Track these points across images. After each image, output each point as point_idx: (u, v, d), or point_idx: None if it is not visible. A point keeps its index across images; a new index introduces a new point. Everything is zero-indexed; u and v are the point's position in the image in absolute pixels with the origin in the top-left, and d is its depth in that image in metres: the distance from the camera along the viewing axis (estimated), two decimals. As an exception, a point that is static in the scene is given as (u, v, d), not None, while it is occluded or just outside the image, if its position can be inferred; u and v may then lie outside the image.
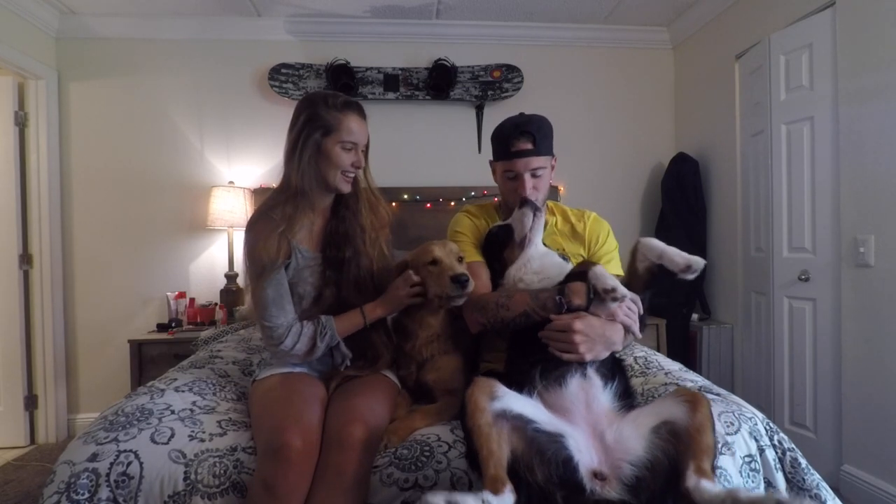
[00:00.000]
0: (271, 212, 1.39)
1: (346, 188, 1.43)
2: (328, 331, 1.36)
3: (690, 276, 1.17)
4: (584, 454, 0.99)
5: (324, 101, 1.38)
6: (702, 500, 0.88)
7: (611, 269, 1.53)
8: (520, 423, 0.99)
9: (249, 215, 3.02)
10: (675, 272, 1.17)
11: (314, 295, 1.43)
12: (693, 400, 1.02)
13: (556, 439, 0.98)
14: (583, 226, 1.63)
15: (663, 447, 0.99)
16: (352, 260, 1.44)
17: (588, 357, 1.14)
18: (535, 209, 1.39)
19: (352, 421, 1.15)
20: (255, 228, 1.37)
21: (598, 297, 1.18)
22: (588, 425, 1.05)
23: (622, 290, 1.16)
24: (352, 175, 1.42)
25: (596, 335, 1.16)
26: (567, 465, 0.96)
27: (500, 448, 0.94)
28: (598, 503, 0.96)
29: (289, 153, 1.39)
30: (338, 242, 1.44)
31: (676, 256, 1.16)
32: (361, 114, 1.43)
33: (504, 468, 0.92)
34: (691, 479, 0.91)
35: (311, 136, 1.36)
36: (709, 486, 0.89)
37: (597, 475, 0.97)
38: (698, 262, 1.15)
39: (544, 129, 1.51)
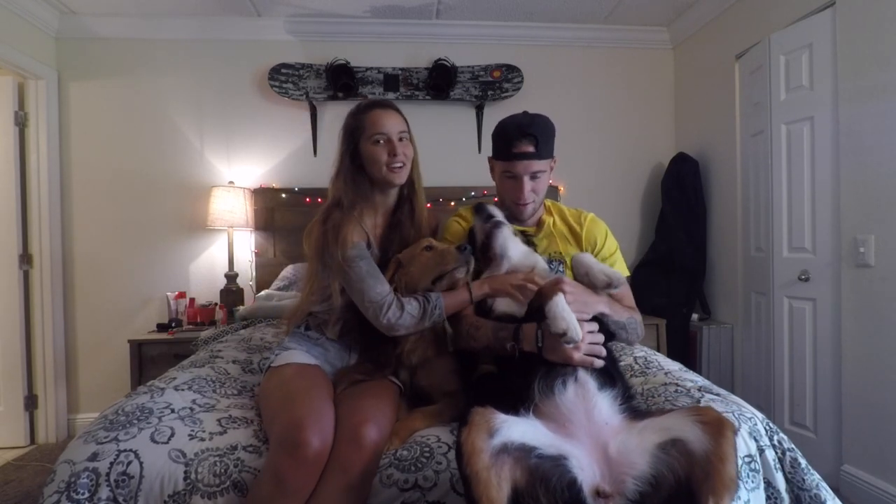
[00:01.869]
0: (336, 210, 1.42)
1: (398, 178, 1.46)
2: (438, 309, 1.36)
3: (613, 291, 1.29)
4: (587, 472, 0.97)
5: (352, 113, 1.48)
6: None
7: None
8: (522, 454, 0.95)
9: (251, 214, 3.05)
10: (599, 287, 1.27)
11: None
12: (717, 424, 0.95)
13: (559, 462, 0.96)
14: (579, 227, 1.61)
15: (669, 463, 0.95)
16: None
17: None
18: (490, 220, 1.38)
19: (366, 421, 1.16)
20: (331, 220, 1.39)
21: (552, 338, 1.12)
22: (590, 437, 1.02)
23: (574, 332, 1.08)
24: (398, 165, 1.44)
25: (580, 293, 1.22)
26: (571, 487, 0.94)
27: (499, 492, 0.90)
28: None
29: (336, 168, 1.47)
30: (395, 246, 1.49)
31: (599, 274, 1.26)
32: (385, 106, 1.48)
33: None
34: None
35: (347, 144, 1.45)
36: None
37: (599, 493, 0.95)
38: (617, 277, 1.27)
39: (548, 131, 1.49)
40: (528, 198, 1.50)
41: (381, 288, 1.35)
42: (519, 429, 0.98)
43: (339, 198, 1.44)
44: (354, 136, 1.44)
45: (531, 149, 1.45)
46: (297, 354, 1.41)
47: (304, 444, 1.09)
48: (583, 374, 1.11)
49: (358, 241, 1.37)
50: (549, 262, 1.56)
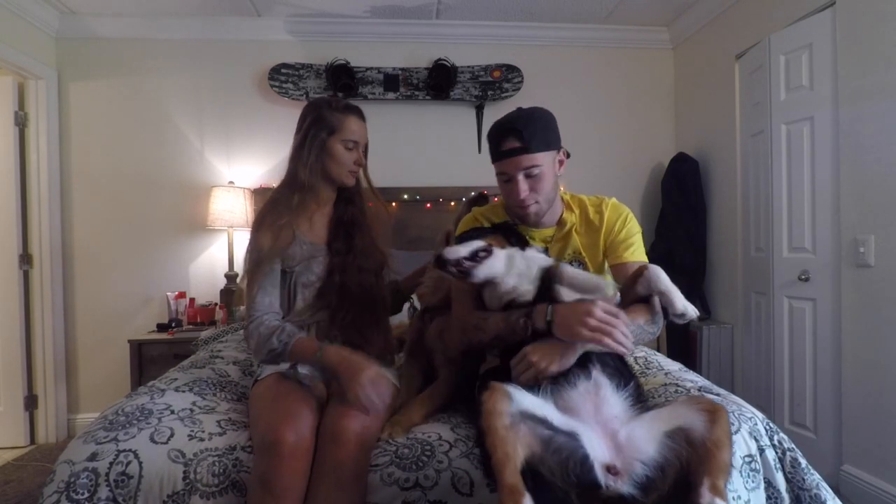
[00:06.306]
0: (277, 206, 1.46)
1: (350, 181, 1.53)
2: (280, 347, 1.32)
3: (680, 322, 1.20)
4: (598, 450, 0.98)
5: (328, 105, 1.50)
6: None
7: (632, 257, 1.44)
8: (537, 424, 0.98)
9: (251, 215, 3.04)
10: (669, 313, 1.19)
11: (318, 285, 1.46)
12: (713, 411, 0.99)
13: (572, 438, 0.98)
14: (599, 217, 1.51)
15: (676, 451, 0.97)
16: (358, 247, 1.51)
17: (553, 368, 1.08)
18: (454, 264, 1.22)
19: (346, 415, 1.17)
20: (264, 223, 1.43)
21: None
22: (599, 425, 1.03)
23: (692, 309, 1.16)
24: (355, 171, 1.52)
25: (549, 346, 1.10)
26: (584, 463, 0.95)
27: (514, 451, 0.92)
28: (608, 500, 0.95)
29: (296, 150, 1.50)
30: (346, 230, 1.52)
31: (678, 301, 1.17)
32: (361, 116, 1.53)
33: (519, 474, 0.90)
34: (706, 497, 0.89)
35: (317, 135, 1.46)
36: None
37: (609, 469, 0.97)
38: (692, 313, 1.18)
39: (535, 123, 1.37)
40: (526, 199, 1.38)
41: (265, 301, 1.38)
42: (534, 404, 1.01)
43: (302, 182, 1.45)
44: (329, 130, 1.47)
45: (516, 144, 1.34)
46: (284, 366, 1.41)
47: (279, 442, 1.09)
48: (595, 372, 1.10)
49: (269, 248, 1.38)
50: (569, 263, 1.46)
